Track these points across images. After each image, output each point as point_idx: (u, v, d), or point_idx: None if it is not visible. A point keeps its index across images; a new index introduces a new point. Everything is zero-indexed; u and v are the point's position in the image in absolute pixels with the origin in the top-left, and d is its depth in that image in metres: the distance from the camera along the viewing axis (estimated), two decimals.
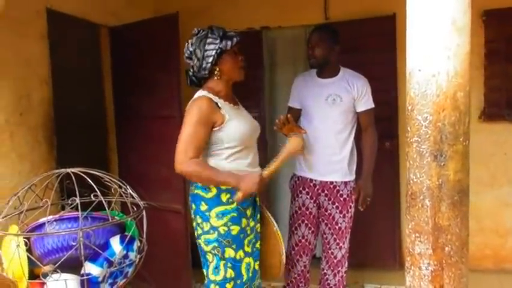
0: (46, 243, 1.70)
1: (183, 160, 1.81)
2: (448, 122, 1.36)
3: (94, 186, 1.75)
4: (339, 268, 2.49)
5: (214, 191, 1.92)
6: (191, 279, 3.01)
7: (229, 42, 1.88)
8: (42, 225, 1.75)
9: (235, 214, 1.92)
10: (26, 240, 1.70)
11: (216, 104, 1.89)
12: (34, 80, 2.36)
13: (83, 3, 2.75)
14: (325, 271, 2.52)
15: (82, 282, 1.69)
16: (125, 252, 1.80)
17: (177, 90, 2.67)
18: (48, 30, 2.46)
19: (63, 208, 1.96)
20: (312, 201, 2.45)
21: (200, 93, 1.93)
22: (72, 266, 1.72)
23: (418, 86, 1.39)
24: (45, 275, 1.71)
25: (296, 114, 2.47)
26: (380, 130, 2.53)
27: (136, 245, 1.86)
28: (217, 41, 1.86)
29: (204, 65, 1.89)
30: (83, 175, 1.78)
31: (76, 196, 1.71)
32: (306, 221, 2.47)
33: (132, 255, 1.84)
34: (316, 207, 2.47)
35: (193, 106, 1.88)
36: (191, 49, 1.91)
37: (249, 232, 1.98)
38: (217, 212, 1.91)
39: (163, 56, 2.76)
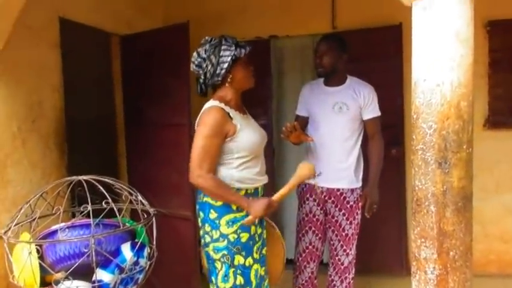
0: (58, 250, 1.73)
1: (200, 174, 1.84)
2: (451, 130, 1.39)
3: (106, 193, 1.79)
4: (347, 274, 2.50)
5: None
6: (199, 285, 3.04)
7: (243, 50, 1.91)
8: (54, 232, 1.79)
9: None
10: (38, 247, 1.74)
11: (228, 114, 1.90)
12: (46, 87, 2.41)
13: (94, 12, 2.81)
14: (332, 277, 2.53)
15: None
16: (135, 258, 1.83)
17: (187, 98, 2.71)
18: (60, 38, 2.51)
19: (73, 215, 1.99)
20: (319, 208, 2.47)
21: (212, 103, 1.94)
22: (83, 273, 1.75)
23: (423, 96, 1.42)
24: (57, 282, 1.74)
25: (303, 122, 2.50)
26: (386, 137, 2.55)
27: (146, 251, 1.89)
28: (232, 48, 1.88)
29: (218, 71, 1.90)
30: (94, 182, 1.83)
31: (87, 203, 1.76)
32: (313, 228, 2.48)
33: (142, 261, 1.87)
34: (324, 214, 2.48)
35: (207, 116, 1.89)
36: (204, 56, 1.91)
37: (257, 239, 2.00)
38: (227, 220, 1.92)
39: (174, 64, 2.81)
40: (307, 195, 2.48)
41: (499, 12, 3.05)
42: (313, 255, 2.51)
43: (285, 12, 3.43)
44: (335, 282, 2.53)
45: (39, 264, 1.70)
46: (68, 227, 1.74)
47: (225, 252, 1.92)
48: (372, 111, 2.41)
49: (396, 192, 3.28)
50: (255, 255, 1.99)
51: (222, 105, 1.91)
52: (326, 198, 2.45)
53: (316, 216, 2.48)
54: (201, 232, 2.01)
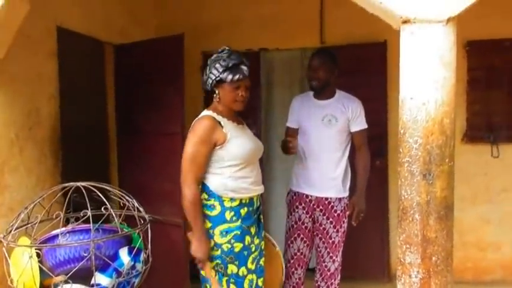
0: (58, 254, 1.78)
1: (187, 181, 1.92)
2: (435, 144, 1.52)
3: (105, 200, 1.85)
4: (332, 280, 2.57)
5: (218, 209, 1.98)
6: None
7: (229, 76, 1.94)
8: (54, 237, 1.84)
9: (238, 232, 1.97)
10: (38, 251, 1.78)
11: (219, 122, 1.97)
12: (43, 95, 2.45)
13: (89, 21, 2.87)
14: (319, 283, 2.59)
15: None
16: (132, 263, 1.90)
17: (181, 107, 2.78)
18: (57, 47, 2.56)
19: (67, 221, 2.03)
20: (307, 216, 2.54)
21: (204, 112, 2.03)
22: (82, 276, 1.80)
23: (410, 112, 1.55)
24: (56, 286, 1.79)
25: (294, 134, 2.60)
26: (371, 149, 2.66)
27: (142, 256, 1.96)
28: (220, 70, 1.95)
29: (206, 82, 2.01)
30: (93, 189, 1.88)
31: (82, 209, 1.81)
32: (301, 235, 2.55)
33: (139, 266, 1.93)
34: (312, 222, 2.55)
35: (195, 125, 1.97)
36: (208, 61, 2.03)
37: (253, 249, 2.04)
38: (221, 230, 1.97)
39: (167, 74, 2.88)
40: (297, 204, 2.56)
41: (476, 33, 3.23)
42: (301, 262, 2.58)
43: (275, 26, 3.55)
44: (321, 287, 2.61)
45: (39, 268, 1.75)
46: (68, 232, 1.79)
47: (219, 261, 1.97)
48: (359, 123, 2.52)
49: (380, 202, 3.41)
50: (250, 266, 2.03)
51: (214, 114, 1.99)
52: (315, 206, 2.53)
53: (305, 224, 2.55)
54: None
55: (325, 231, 2.53)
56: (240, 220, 1.98)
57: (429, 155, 1.52)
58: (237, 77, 1.95)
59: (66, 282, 1.77)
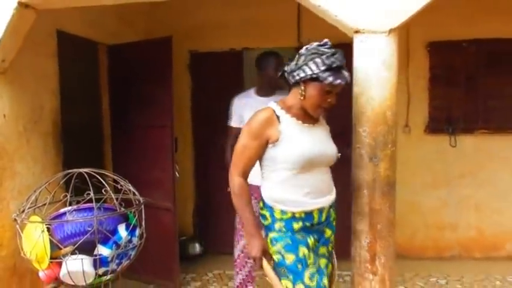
0: (66, 229, 2.07)
1: (232, 172, 1.79)
2: (380, 133, 1.85)
3: (105, 183, 2.16)
4: None
5: (269, 220, 1.81)
6: (178, 271, 3.38)
7: (330, 78, 1.66)
8: (62, 214, 2.13)
9: (289, 241, 1.73)
10: (48, 226, 2.07)
11: (278, 117, 1.77)
12: (46, 93, 2.72)
13: (85, 24, 3.12)
14: None
15: (94, 261, 2.07)
16: (129, 237, 2.20)
17: (170, 103, 3.06)
18: (57, 49, 2.83)
19: (69, 204, 2.30)
20: (257, 205, 2.67)
21: (269, 104, 1.86)
22: (85, 249, 2.09)
23: (360, 107, 1.88)
24: (64, 256, 2.08)
25: (237, 133, 2.73)
26: (341, 141, 2.97)
27: (138, 231, 2.26)
28: (322, 68, 1.67)
29: (293, 74, 1.75)
30: (94, 174, 2.18)
31: (82, 194, 2.10)
32: None
33: (135, 240, 2.23)
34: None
35: (252, 116, 1.81)
36: (301, 51, 1.76)
37: (310, 264, 1.74)
38: (271, 238, 1.78)
39: (157, 73, 3.16)
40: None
41: (437, 34, 3.59)
42: None
43: (257, 27, 3.84)
44: None
45: (50, 240, 2.04)
46: (74, 210, 2.09)
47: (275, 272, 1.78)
48: None
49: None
50: (308, 282, 1.71)
51: (277, 108, 1.80)
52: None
53: (256, 213, 2.73)
54: None
55: None
56: (290, 231, 1.76)
57: (374, 142, 1.85)
58: (338, 81, 1.67)
59: (73, 253, 2.06)
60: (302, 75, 1.71)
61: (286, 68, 1.80)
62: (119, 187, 2.29)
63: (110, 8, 3.48)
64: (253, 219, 1.77)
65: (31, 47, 2.56)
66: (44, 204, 2.14)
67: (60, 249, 2.07)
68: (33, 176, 2.56)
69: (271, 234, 1.78)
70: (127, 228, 2.19)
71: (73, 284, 2.07)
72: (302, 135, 1.77)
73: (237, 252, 2.77)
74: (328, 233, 1.86)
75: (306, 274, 1.71)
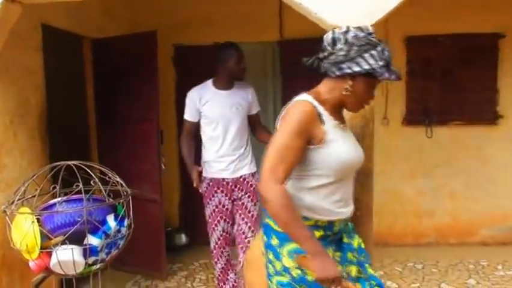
0: (56, 220, 2.12)
1: (270, 179, 1.43)
2: (358, 126, 1.95)
3: (93, 175, 2.21)
4: None
5: None
6: (165, 262, 3.47)
7: (386, 75, 1.46)
8: (51, 205, 2.18)
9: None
10: (38, 217, 2.12)
11: (319, 115, 1.51)
12: (31, 86, 2.74)
13: (69, 18, 3.14)
14: (241, 259, 2.76)
15: (84, 250, 2.12)
16: (118, 227, 2.26)
17: (155, 96, 3.13)
18: (42, 43, 2.84)
19: (55, 196, 2.34)
20: (227, 198, 2.73)
21: (303, 96, 1.56)
22: (75, 239, 2.15)
23: None
24: (55, 246, 2.14)
25: (194, 127, 2.77)
26: None
27: (126, 222, 2.33)
28: (380, 63, 1.46)
29: (343, 66, 1.49)
30: (83, 166, 2.23)
31: (69, 186, 2.13)
32: (224, 217, 2.75)
33: (123, 230, 2.29)
34: (231, 202, 2.75)
35: (291, 110, 1.52)
36: (350, 39, 1.48)
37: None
38: (289, 250, 1.51)
39: (142, 66, 3.21)
40: (215, 189, 2.73)
41: (414, 29, 3.73)
42: (227, 240, 2.81)
43: (240, 22, 3.92)
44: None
45: (40, 231, 2.09)
46: (64, 201, 2.14)
47: None
48: (256, 106, 2.85)
49: None
50: None
51: (316, 102, 1.53)
52: (233, 187, 2.74)
53: (226, 206, 2.75)
54: (265, 260, 1.62)
55: (244, 206, 2.75)
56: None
57: (353, 134, 1.95)
58: (393, 77, 1.48)
59: (63, 243, 2.12)
60: (357, 69, 1.46)
61: (323, 56, 1.53)
62: (107, 179, 2.36)
63: (95, 1, 3.52)
64: (310, 234, 1.45)
65: (16, 41, 2.57)
66: (34, 196, 2.19)
67: (50, 239, 2.12)
68: (20, 168, 2.59)
69: (289, 246, 1.51)
70: (115, 218, 2.25)
71: (63, 273, 2.13)
72: (344, 139, 1.56)
73: (212, 243, 2.82)
74: (355, 242, 1.66)
75: None
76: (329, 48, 1.51)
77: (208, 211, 2.78)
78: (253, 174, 2.79)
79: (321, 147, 1.49)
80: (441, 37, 3.75)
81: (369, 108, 1.95)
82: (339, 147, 1.51)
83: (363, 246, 1.68)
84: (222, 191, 2.74)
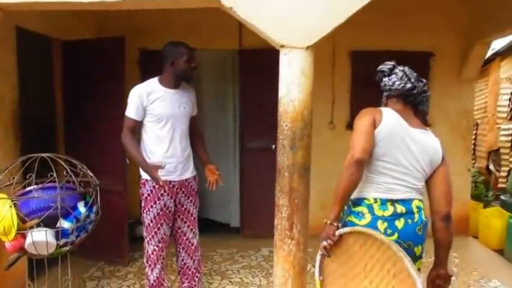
0: (31, 205, 2.36)
1: (352, 155, 1.91)
2: (298, 128, 2.31)
3: (66, 167, 2.48)
4: (197, 253, 2.81)
5: (368, 218, 1.82)
6: (128, 250, 3.73)
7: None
8: (27, 192, 2.42)
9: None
10: (15, 202, 2.35)
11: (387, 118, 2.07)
12: (6, 85, 2.94)
13: (41, 21, 3.32)
14: (184, 260, 2.81)
15: (56, 233, 2.38)
16: (87, 213, 2.52)
17: (121, 97, 3.33)
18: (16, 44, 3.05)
19: (28, 184, 2.57)
20: (172, 200, 2.68)
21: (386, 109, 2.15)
22: (48, 222, 2.39)
23: (284, 106, 2.33)
24: (31, 228, 2.37)
25: (137, 125, 2.66)
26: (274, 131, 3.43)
27: (94, 208, 2.59)
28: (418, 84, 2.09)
29: (403, 87, 2.12)
30: (56, 158, 2.49)
31: (41, 176, 2.36)
32: (167, 220, 2.69)
33: (92, 216, 2.56)
34: (174, 205, 2.71)
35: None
36: (408, 73, 2.10)
37: None
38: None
39: (110, 69, 3.45)
40: (161, 192, 2.63)
41: (358, 45, 4.21)
42: (166, 243, 2.74)
43: (203, 30, 4.20)
44: (187, 263, 2.81)
45: (17, 215, 2.33)
46: (39, 188, 2.39)
47: None
48: (195, 109, 2.84)
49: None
50: None
51: (394, 112, 2.11)
52: (178, 190, 2.70)
53: (169, 209, 2.69)
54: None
55: (186, 211, 2.75)
56: (396, 234, 1.75)
57: (294, 134, 2.30)
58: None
59: (38, 225, 2.37)
60: (423, 98, 2.16)
61: (381, 80, 2.28)
62: (77, 171, 2.61)
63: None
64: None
65: None
66: (10, 184, 2.42)
67: (24, 223, 2.37)
68: None
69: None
70: (85, 205, 2.52)
71: (36, 253, 2.38)
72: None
73: (151, 248, 2.70)
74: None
75: None
76: (386, 80, 2.28)
77: (150, 215, 2.66)
78: (194, 178, 2.80)
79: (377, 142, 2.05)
80: (380, 53, 4.18)
81: (307, 114, 2.33)
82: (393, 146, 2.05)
83: None
84: (168, 194, 2.67)
